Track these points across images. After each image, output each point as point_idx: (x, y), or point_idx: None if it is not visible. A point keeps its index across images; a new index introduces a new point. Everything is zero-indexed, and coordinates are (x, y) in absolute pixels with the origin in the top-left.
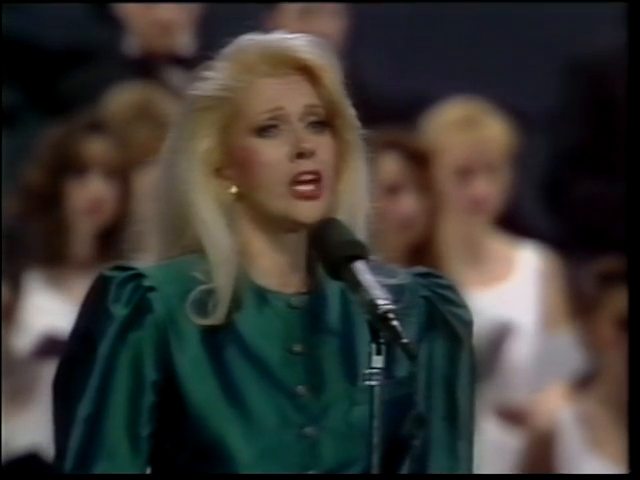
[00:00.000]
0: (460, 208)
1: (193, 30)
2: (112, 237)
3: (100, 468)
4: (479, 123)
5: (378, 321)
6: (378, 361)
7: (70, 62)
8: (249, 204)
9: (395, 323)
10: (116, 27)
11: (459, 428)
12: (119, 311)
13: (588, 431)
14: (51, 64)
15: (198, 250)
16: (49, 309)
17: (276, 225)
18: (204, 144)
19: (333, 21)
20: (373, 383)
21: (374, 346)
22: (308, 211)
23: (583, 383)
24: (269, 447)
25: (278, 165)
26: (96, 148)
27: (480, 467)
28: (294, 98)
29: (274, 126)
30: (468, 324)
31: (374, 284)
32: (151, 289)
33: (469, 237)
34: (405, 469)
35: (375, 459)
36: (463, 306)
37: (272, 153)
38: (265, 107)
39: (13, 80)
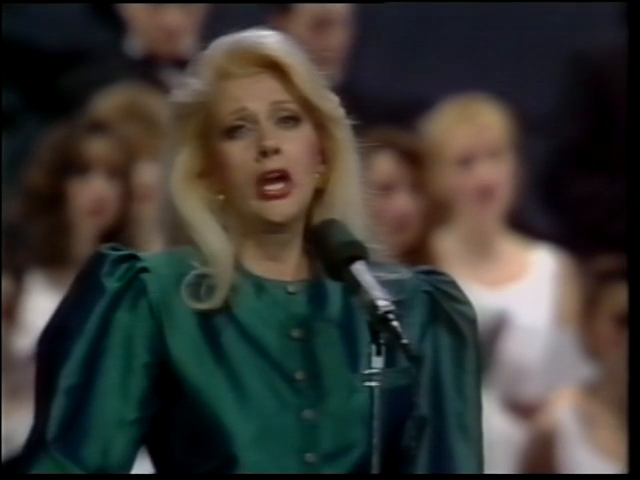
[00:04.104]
0: (468, 200)
1: (197, 33)
2: (115, 238)
3: (88, 449)
4: (476, 112)
5: (378, 322)
6: (378, 362)
7: (69, 63)
8: (234, 207)
9: (395, 324)
10: (116, 28)
11: (469, 431)
12: (111, 284)
13: (592, 431)
14: (50, 65)
15: (195, 246)
16: (51, 309)
17: (258, 226)
18: (184, 151)
19: (342, 33)
20: (373, 384)
21: (374, 347)
22: (278, 210)
23: (591, 383)
24: (267, 429)
25: (244, 166)
26: (98, 148)
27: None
28: (259, 96)
29: (241, 127)
30: (471, 321)
31: (374, 285)
32: (145, 270)
33: (479, 236)
34: (412, 469)
35: (375, 458)
36: (466, 303)
37: (239, 154)
38: (230, 108)
39: (12, 82)
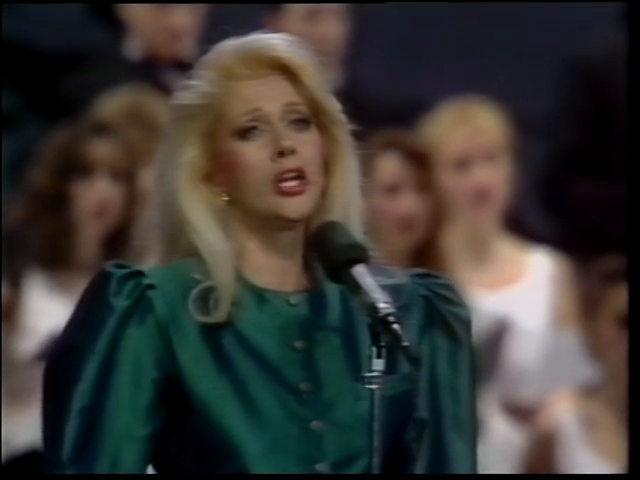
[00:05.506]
0: (465, 202)
1: (197, 34)
2: (118, 241)
3: (100, 465)
4: (473, 114)
5: (378, 324)
6: (378, 364)
7: (70, 65)
8: (240, 208)
9: (395, 326)
10: (116, 30)
11: (464, 431)
12: (120, 303)
13: (592, 432)
14: (51, 67)
15: (196, 254)
16: (54, 312)
17: (267, 225)
18: (189, 152)
19: (337, 24)
20: (373, 386)
21: (374, 349)
22: (294, 207)
23: (591, 385)
24: (275, 441)
25: (261, 165)
26: (102, 150)
27: (484, 464)
28: (272, 98)
29: (254, 127)
30: (466, 323)
31: (375, 287)
32: (151, 287)
33: (477, 238)
34: (412, 470)
35: (375, 461)
36: (461, 305)
37: (254, 154)
38: (244, 109)
39: (12, 83)
